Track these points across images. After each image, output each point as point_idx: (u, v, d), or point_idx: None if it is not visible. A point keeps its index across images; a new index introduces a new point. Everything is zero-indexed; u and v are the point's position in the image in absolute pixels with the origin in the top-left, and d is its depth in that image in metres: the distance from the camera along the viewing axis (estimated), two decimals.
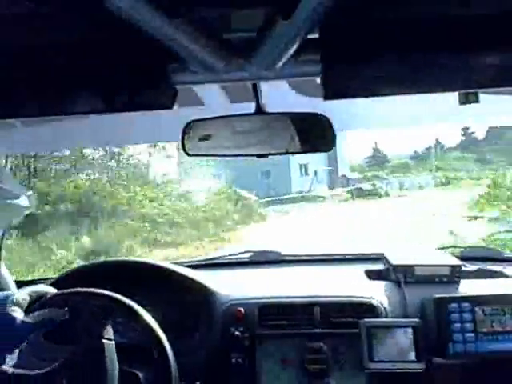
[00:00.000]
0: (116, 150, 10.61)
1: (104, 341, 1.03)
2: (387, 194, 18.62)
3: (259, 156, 1.02)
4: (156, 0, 0.58)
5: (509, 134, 25.84)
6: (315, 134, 0.99)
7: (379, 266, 1.62)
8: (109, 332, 1.05)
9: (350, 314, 1.38)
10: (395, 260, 1.54)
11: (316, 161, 20.33)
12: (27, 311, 1.07)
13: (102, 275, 1.40)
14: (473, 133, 32.65)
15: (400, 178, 23.40)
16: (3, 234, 1.30)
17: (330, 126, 0.96)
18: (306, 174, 21.18)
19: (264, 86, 0.90)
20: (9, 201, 0.72)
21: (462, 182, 20.10)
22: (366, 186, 19.76)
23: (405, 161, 31.67)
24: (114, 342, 1.04)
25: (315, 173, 21.50)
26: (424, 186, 21.15)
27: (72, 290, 1.15)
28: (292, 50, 0.69)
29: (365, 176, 23.96)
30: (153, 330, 1.12)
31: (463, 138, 33.18)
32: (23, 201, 0.75)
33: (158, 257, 7.81)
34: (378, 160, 32.70)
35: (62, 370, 1.05)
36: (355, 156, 32.57)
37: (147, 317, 1.13)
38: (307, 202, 16.58)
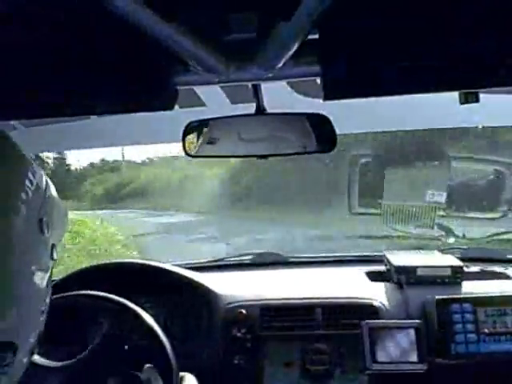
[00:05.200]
0: None
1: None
2: None
3: (260, 157, 1.02)
4: (156, 2, 0.58)
5: None
6: (316, 135, 0.98)
7: (380, 268, 1.62)
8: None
9: (352, 316, 1.37)
10: (397, 261, 1.53)
11: None
12: None
13: (103, 277, 1.40)
14: None
15: None
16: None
17: (331, 126, 0.96)
18: None
19: (265, 87, 0.90)
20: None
21: None
22: None
23: None
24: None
25: None
26: None
27: (80, 292, 1.15)
28: (292, 51, 0.69)
29: None
30: (154, 332, 1.12)
31: None
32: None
33: None
34: None
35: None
36: None
37: (149, 319, 1.13)
38: None
